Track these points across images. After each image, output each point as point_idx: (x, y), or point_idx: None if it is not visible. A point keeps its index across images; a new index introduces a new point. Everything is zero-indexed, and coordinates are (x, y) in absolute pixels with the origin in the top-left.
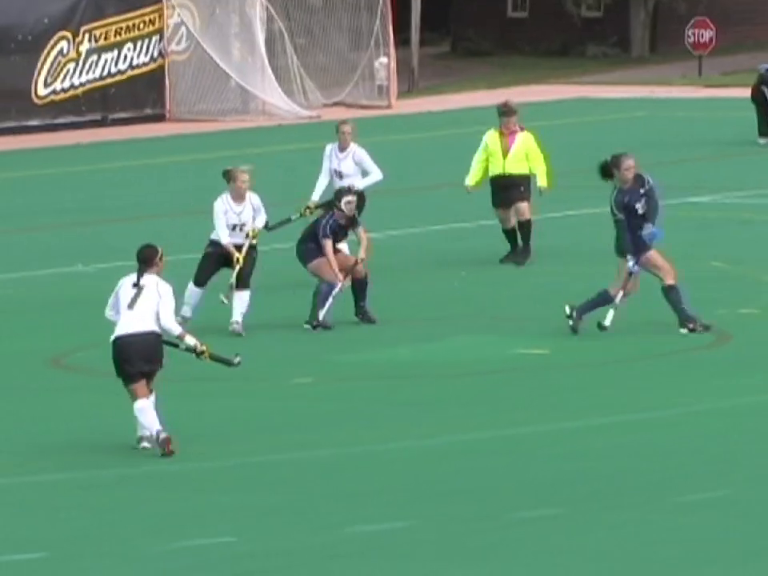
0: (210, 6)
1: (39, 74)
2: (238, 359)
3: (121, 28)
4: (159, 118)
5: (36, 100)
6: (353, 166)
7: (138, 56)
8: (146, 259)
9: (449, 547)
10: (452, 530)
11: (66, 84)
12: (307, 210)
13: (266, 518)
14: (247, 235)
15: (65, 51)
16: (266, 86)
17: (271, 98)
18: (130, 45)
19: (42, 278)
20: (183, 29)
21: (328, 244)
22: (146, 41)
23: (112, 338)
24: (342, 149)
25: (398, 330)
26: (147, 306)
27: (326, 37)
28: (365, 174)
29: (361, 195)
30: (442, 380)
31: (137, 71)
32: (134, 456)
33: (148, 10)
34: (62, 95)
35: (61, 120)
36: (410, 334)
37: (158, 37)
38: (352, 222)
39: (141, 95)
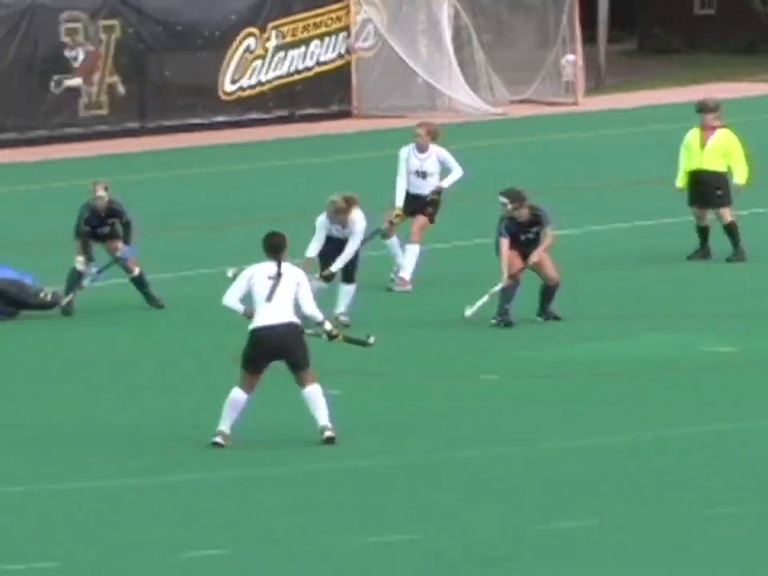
0: (397, 2)
1: (226, 70)
2: (372, 339)
3: (308, 25)
4: (345, 114)
5: (223, 96)
6: (436, 165)
7: (325, 53)
8: (278, 247)
9: (647, 545)
10: (642, 527)
11: (253, 80)
12: (397, 218)
13: (449, 514)
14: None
15: (252, 48)
16: (452, 83)
17: (458, 94)
18: (317, 41)
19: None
20: (370, 26)
21: (503, 243)
22: (333, 37)
23: (250, 327)
24: (422, 150)
25: (583, 327)
26: (286, 296)
27: (513, 33)
28: (445, 172)
29: (439, 193)
30: (626, 377)
31: (323, 68)
32: (313, 453)
33: (335, 6)
34: (249, 92)
35: (247, 116)
36: (594, 332)
37: (344, 33)
38: (535, 221)
39: (327, 92)
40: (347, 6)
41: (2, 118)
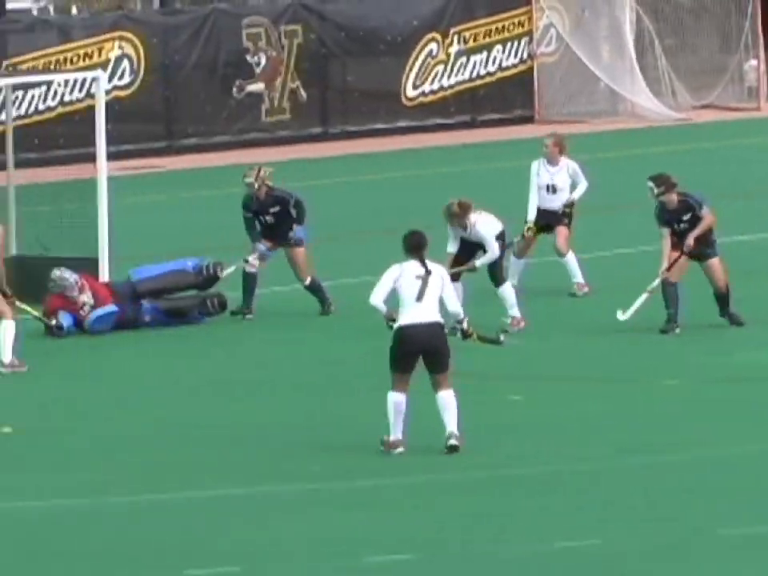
0: (579, 7)
1: (408, 75)
2: (503, 337)
3: (490, 30)
4: (528, 119)
5: (405, 101)
6: (567, 179)
7: (507, 58)
8: (421, 245)
9: None
10: None
11: (435, 86)
12: (529, 231)
13: (625, 519)
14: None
15: (434, 53)
16: (635, 88)
17: (640, 99)
18: (499, 46)
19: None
20: (552, 31)
21: (663, 233)
22: (515, 43)
23: (397, 325)
24: (553, 163)
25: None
26: (434, 295)
27: (695, 38)
28: (574, 186)
29: (571, 206)
30: None
31: (506, 73)
32: (493, 458)
33: (517, 12)
34: (431, 97)
35: (429, 121)
36: None
37: (527, 39)
38: (686, 207)
39: (510, 97)
40: (530, 11)
41: (184, 124)
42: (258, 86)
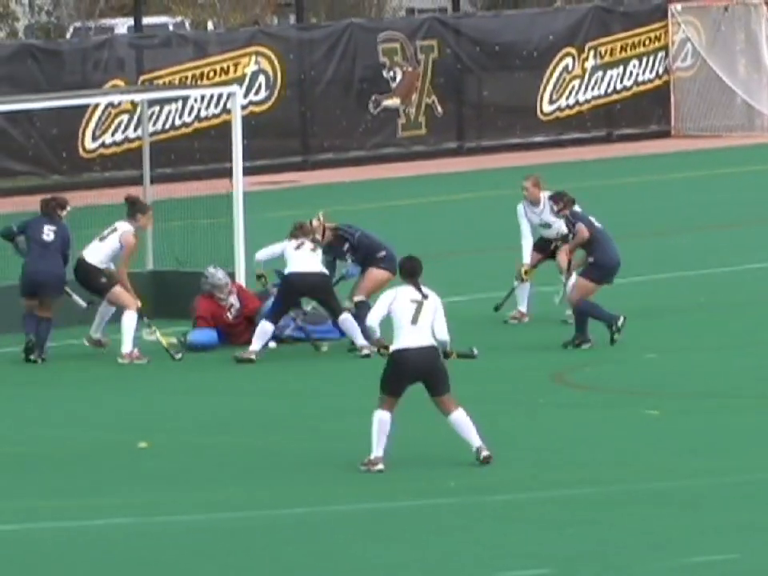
0: (715, 22)
1: (544, 90)
2: (476, 351)
3: (626, 44)
4: (664, 134)
5: (541, 116)
6: (554, 215)
7: (644, 72)
8: (416, 271)
9: None
10: None
11: (572, 100)
12: (526, 274)
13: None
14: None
15: (569, 68)
16: None
17: None
18: (635, 61)
19: (551, 294)
20: (689, 45)
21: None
22: (651, 57)
23: (393, 349)
24: (536, 203)
25: None
26: (428, 319)
27: None
28: None
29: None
30: None
31: (642, 87)
32: (635, 472)
33: (654, 26)
34: (567, 111)
35: (566, 136)
36: None
37: (663, 53)
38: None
39: (646, 111)
40: (666, 26)
41: (320, 139)
42: (393, 101)
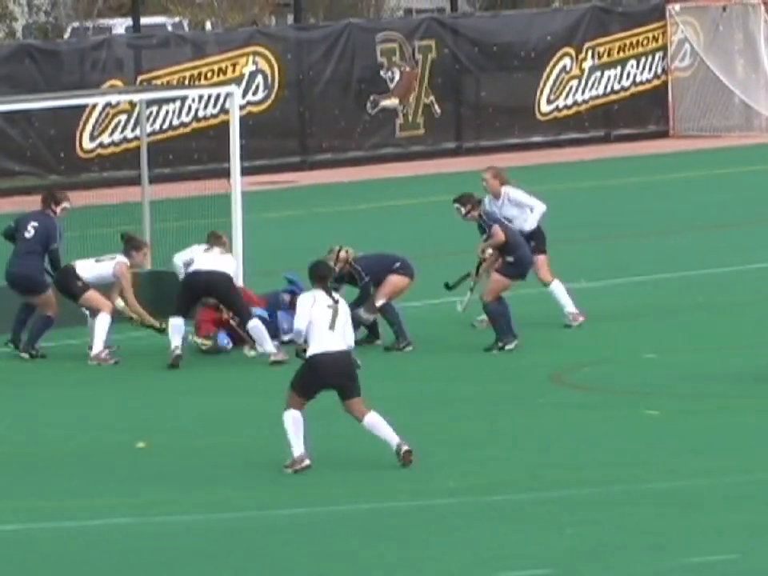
0: (713, 22)
1: (542, 90)
2: (359, 361)
3: (624, 45)
4: (663, 134)
5: (539, 117)
6: (514, 209)
7: (642, 73)
8: (326, 275)
9: None
10: None
11: (570, 101)
12: (482, 252)
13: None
14: None
15: (568, 68)
16: None
17: None
18: (633, 61)
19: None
20: (687, 45)
21: None
22: (650, 57)
23: (309, 354)
24: (495, 196)
25: None
26: (342, 324)
27: None
28: (531, 210)
29: (539, 230)
30: None
31: (640, 88)
32: (635, 472)
33: (652, 26)
34: (565, 112)
35: (564, 137)
36: None
37: (661, 53)
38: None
39: (644, 112)
40: (664, 26)
41: (318, 139)
42: (391, 101)
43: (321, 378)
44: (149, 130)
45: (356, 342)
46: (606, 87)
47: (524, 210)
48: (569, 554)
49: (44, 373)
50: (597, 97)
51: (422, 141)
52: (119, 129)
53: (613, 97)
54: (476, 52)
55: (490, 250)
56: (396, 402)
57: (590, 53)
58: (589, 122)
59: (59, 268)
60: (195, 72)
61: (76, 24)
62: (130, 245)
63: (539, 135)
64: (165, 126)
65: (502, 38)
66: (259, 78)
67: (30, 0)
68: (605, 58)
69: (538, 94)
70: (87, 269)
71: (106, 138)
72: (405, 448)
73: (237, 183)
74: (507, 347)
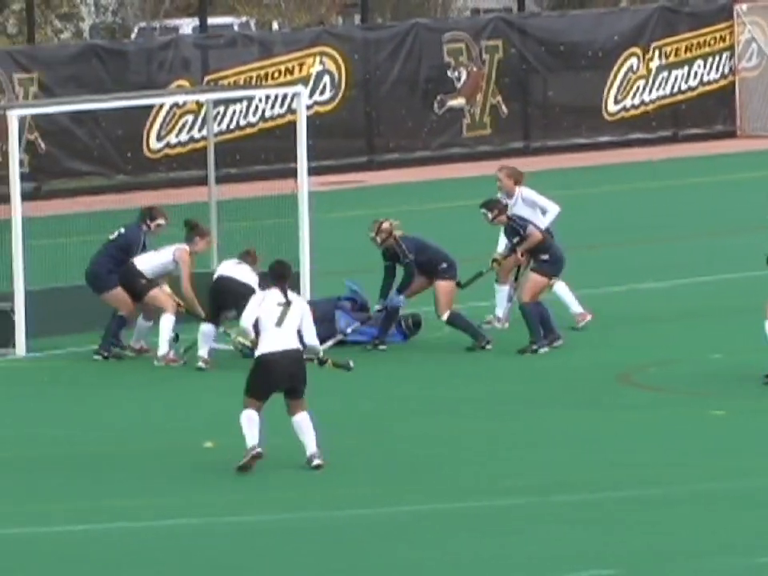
0: None
1: (609, 90)
2: (352, 363)
3: (691, 44)
4: (730, 134)
5: (607, 117)
6: (527, 209)
7: (709, 72)
8: (284, 275)
9: None
10: None
11: (637, 100)
12: (494, 263)
13: None
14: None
15: (635, 68)
16: None
17: None
18: (700, 61)
19: (615, 294)
20: (754, 45)
21: None
22: (717, 57)
23: (258, 353)
24: (509, 195)
25: None
26: (293, 323)
27: None
28: (543, 212)
29: (548, 231)
30: None
31: (707, 88)
32: (701, 473)
33: (719, 26)
34: (633, 112)
35: (631, 136)
36: None
37: (728, 53)
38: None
39: (711, 112)
40: (731, 26)
41: (385, 139)
42: (458, 101)
43: (268, 378)
44: (216, 130)
45: (468, 349)
46: (673, 87)
47: (536, 210)
48: (633, 555)
49: (110, 374)
50: (664, 97)
51: (488, 141)
52: (186, 129)
53: (680, 97)
54: (543, 52)
55: (498, 253)
56: (455, 404)
57: (657, 53)
58: (656, 121)
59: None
60: (262, 72)
61: (143, 24)
62: (195, 231)
63: (606, 135)
64: (232, 126)
65: (570, 38)
66: (326, 78)
67: (97, 0)
68: (672, 58)
69: (606, 93)
70: (146, 261)
71: (173, 138)
72: (316, 462)
73: (304, 183)
74: (540, 350)
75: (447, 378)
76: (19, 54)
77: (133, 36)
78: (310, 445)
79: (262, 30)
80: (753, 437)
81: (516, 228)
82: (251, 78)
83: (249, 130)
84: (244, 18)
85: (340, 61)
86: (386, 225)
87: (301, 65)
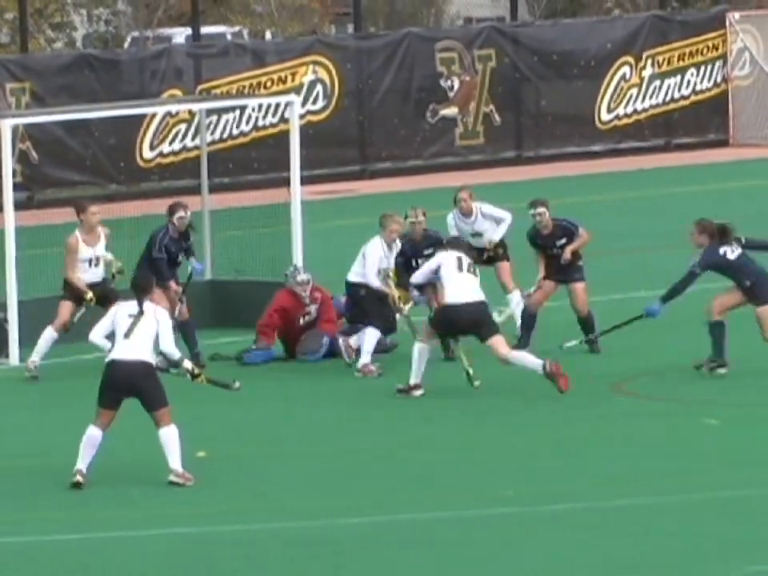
0: None
1: (602, 99)
2: (237, 384)
3: (684, 53)
4: (722, 143)
5: (599, 125)
6: (487, 223)
7: (701, 81)
8: (144, 288)
9: None
10: None
11: (629, 109)
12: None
13: None
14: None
15: (627, 76)
16: None
17: None
18: (693, 70)
19: (609, 302)
20: (747, 54)
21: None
22: (709, 66)
23: (106, 360)
24: (468, 214)
25: None
26: (144, 333)
27: None
28: (498, 222)
29: (502, 243)
30: None
31: (700, 96)
32: (697, 481)
33: (712, 35)
34: (625, 120)
35: (624, 145)
36: None
37: (721, 62)
38: (560, 231)
39: (704, 120)
40: (724, 35)
41: (378, 148)
42: (451, 110)
43: (108, 386)
44: (209, 139)
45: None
46: (665, 96)
47: (493, 223)
48: (631, 564)
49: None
50: (656, 105)
51: (481, 150)
52: (179, 138)
53: (672, 105)
54: (536, 61)
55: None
56: (458, 412)
57: (649, 61)
58: (649, 130)
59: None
60: (255, 81)
61: (136, 33)
62: (77, 210)
63: (599, 144)
64: (224, 136)
65: (562, 47)
66: (319, 87)
67: (90, 9)
68: (664, 67)
69: (598, 102)
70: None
71: (165, 148)
72: (172, 478)
73: (296, 192)
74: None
75: (445, 386)
76: (12, 63)
77: (126, 45)
78: (173, 461)
79: (254, 39)
80: (747, 446)
81: (568, 227)
82: (244, 87)
83: (242, 139)
84: (237, 28)
85: (333, 70)
86: (422, 217)
87: (293, 74)
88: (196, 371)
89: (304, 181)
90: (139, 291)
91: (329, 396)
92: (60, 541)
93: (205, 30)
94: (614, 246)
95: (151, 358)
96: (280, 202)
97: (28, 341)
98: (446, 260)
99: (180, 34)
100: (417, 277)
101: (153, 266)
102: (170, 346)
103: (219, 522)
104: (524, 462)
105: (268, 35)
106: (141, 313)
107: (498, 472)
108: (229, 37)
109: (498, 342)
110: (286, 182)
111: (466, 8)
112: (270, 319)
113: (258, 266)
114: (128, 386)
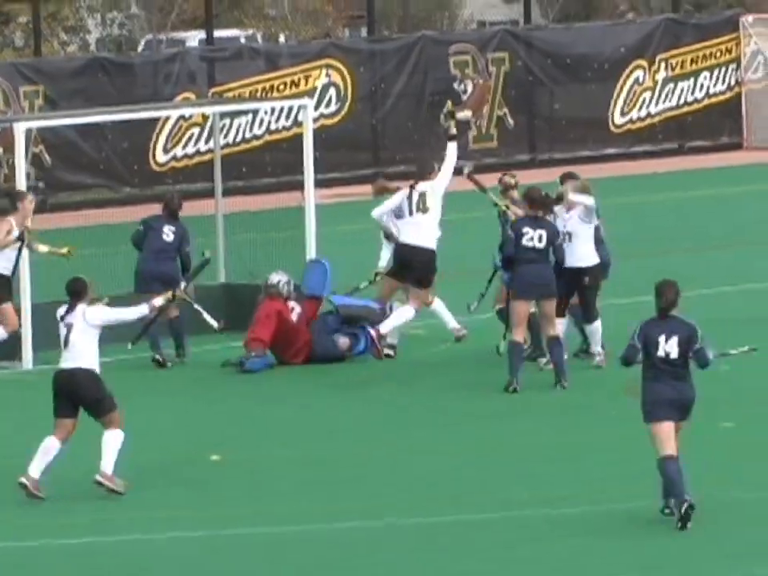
0: None
1: (615, 102)
2: (217, 325)
3: (697, 56)
4: (736, 146)
5: (613, 129)
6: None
7: (715, 84)
8: (76, 292)
9: None
10: None
11: (643, 113)
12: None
13: None
14: None
15: (641, 80)
16: None
17: None
18: (706, 73)
19: (619, 306)
20: (760, 57)
21: None
22: (723, 69)
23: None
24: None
25: None
26: (78, 339)
27: None
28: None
29: None
30: None
31: (713, 100)
32: (709, 483)
33: (725, 38)
34: (639, 124)
35: (637, 149)
36: None
37: (734, 65)
38: None
39: (717, 124)
40: (737, 38)
41: (391, 152)
42: (464, 114)
43: (56, 397)
44: (222, 142)
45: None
46: (679, 99)
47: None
48: (632, 565)
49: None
50: (670, 109)
51: (495, 153)
52: (192, 141)
53: (686, 109)
54: (549, 64)
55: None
56: (458, 416)
57: (663, 65)
58: (662, 133)
59: (189, 269)
60: (268, 85)
61: (149, 37)
62: (15, 199)
63: (613, 147)
64: (238, 139)
65: (576, 50)
66: (332, 91)
67: (104, 13)
68: (678, 70)
69: (612, 105)
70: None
71: (179, 151)
72: (99, 477)
73: (310, 196)
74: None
75: (450, 390)
76: (25, 66)
77: (139, 49)
78: (106, 464)
79: (268, 42)
80: (763, 448)
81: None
82: (257, 90)
83: (255, 143)
84: (250, 31)
85: (346, 73)
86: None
87: (307, 77)
88: (170, 296)
89: (317, 184)
90: (70, 296)
91: (331, 400)
92: (61, 544)
93: (218, 33)
94: (628, 251)
95: (92, 364)
96: (294, 206)
97: (41, 344)
98: None
99: (193, 38)
100: None
101: (185, 259)
102: (132, 314)
103: (225, 526)
104: (525, 467)
105: (281, 39)
106: (69, 323)
107: (499, 476)
108: (242, 40)
109: None
110: (300, 186)
111: (479, 11)
112: (265, 326)
113: (271, 269)
114: (69, 395)
